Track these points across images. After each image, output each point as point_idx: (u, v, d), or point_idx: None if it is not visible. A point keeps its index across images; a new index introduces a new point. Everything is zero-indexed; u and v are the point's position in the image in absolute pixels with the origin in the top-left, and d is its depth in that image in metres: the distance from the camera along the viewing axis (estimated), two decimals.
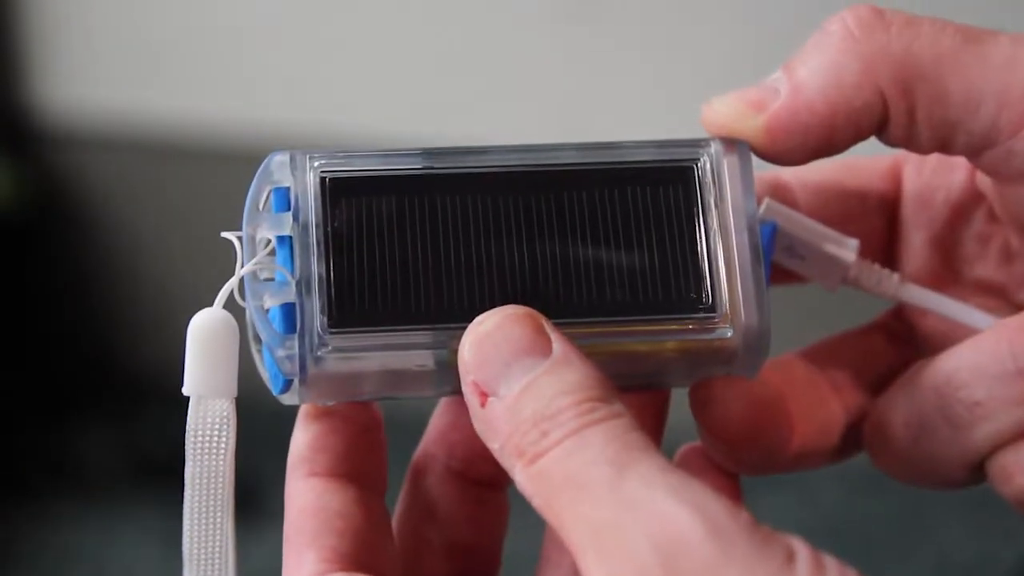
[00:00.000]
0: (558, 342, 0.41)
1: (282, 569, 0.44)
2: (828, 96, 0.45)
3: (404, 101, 1.43)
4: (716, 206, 0.45)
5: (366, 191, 0.44)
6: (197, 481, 0.43)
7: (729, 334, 0.45)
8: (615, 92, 1.39)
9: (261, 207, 0.45)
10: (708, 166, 0.45)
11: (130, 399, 1.55)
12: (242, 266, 0.44)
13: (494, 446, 0.41)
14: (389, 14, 1.40)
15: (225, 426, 0.43)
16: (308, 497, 0.45)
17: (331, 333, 0.44)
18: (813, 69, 0.45)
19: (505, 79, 1.41)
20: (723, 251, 0.45)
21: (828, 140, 0.46)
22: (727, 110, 0.45)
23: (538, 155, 0.45)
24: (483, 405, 0.41)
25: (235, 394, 0.44)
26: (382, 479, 0.47)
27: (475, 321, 0.42)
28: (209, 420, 0.43)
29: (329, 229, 0.44)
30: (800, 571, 0.37)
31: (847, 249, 0.48)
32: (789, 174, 0.49)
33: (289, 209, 0.44)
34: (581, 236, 0.44)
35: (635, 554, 0.37)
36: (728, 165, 0.45)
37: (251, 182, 0.45)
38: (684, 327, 0.45)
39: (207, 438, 0.43)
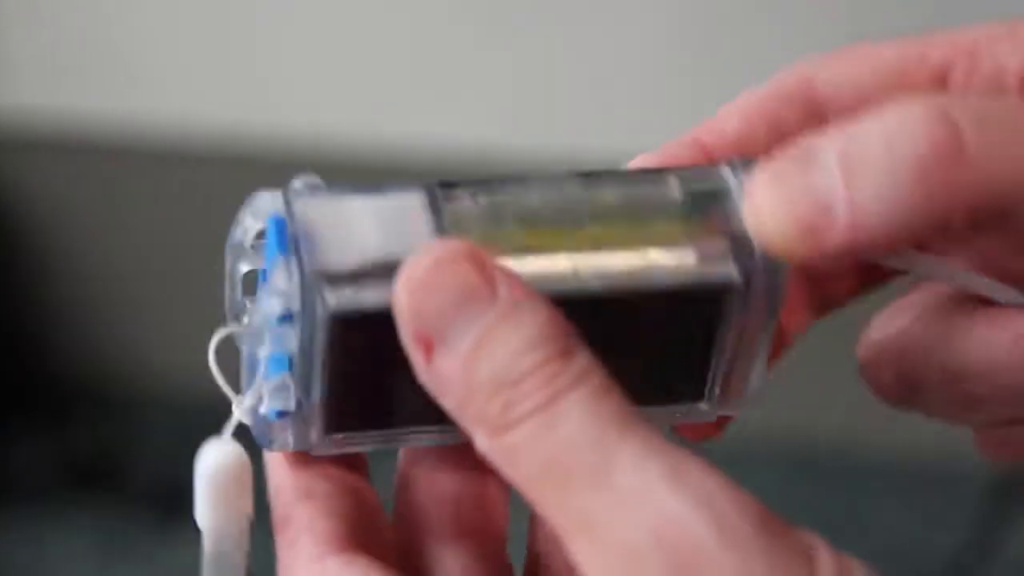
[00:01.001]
0: (503, 283, 0.38)
1: (277, 564, 0.41)
2: (893, 232, 0.40)
3: (356, 102, 1.42)
4: (740, 313, 0.42)
5: (379, 323, 0.39)
6: None
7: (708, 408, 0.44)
8: (566, 89, 1.39)
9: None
10: (745, 285, 0.42)
11: (60, 403, 1.53)
12: (239, 406, 0.41)
13: (447, 404, 0.38)
14: (341, 12, 1.39)
15: (243, 542, 0.41)
16: (294, 486, 0.42)
17: (328, 438, 0.41)
18: (878, 197, 0.40)
19: (458, 80, 1.40)
20: (732, 354, 0.42)
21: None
22: (776, 227, 0.40)
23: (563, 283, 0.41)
24: (428, 360, 0.38)
25: (251, 513, 0.41)
26: (363, 458, 0.44)
27: (408, 263, 0.38)
28: (226, 545, 0.41)
29: (333, 359, 0.40)
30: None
31: None
32: (821, 84, 0.45)
33: (290, 321, 0.40)
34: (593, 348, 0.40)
35: (637, 554, 0.35)
36: (767, 284, 0.42)
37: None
38: (672, 416, 0.43)
39: (224, 559, 0.41)
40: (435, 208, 0.40)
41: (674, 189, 0.42)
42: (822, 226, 0.40)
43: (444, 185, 0.41)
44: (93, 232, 1.52)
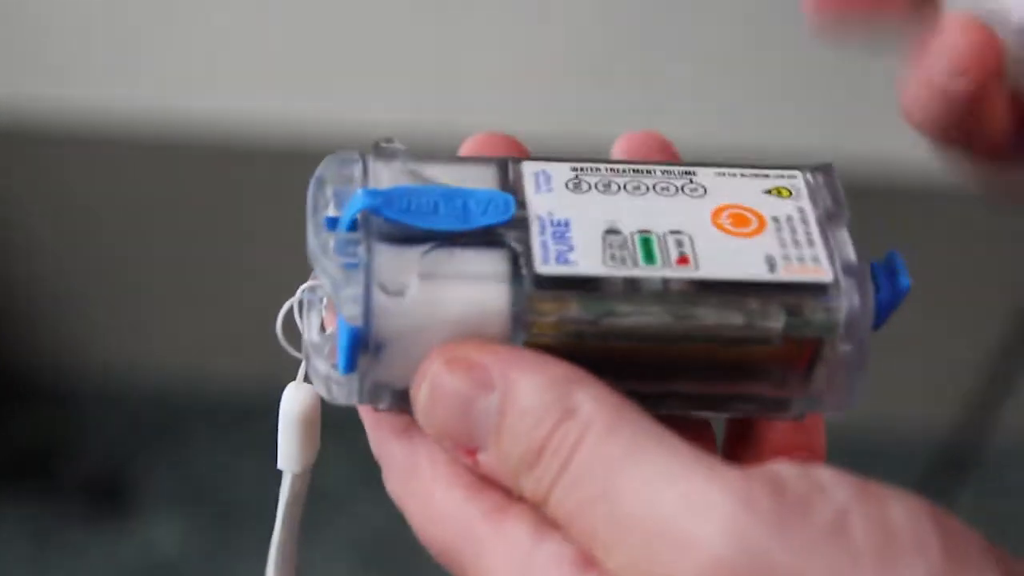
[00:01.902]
0: (495, 369, 0.38)
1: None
2: None
3: (293, 87, 1.40)
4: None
5: None
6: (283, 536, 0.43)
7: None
8: (497, 71, 1.38)
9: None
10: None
11: None
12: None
13: (515, 492, 0.39)
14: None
15: (307, 484, 0.43)
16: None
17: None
18: None
19: (382, 64, 1.38)
20: None
21: None
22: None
23: None
24: (476, 464, 0.39)
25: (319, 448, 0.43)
26: None
27: (412, 394, 0.39)
28: (304, 481, 0.43)
29: None
30: (861, 545, 0.36)
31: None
32: None
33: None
34: None
35: None
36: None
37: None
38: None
39: (300, 496, 0.43)
40: (519, 321, 0.40)
41: (777, 322, 0.41)
42: None
43: (540, 285, 0.40)
44: (30, 222, 1.50)
